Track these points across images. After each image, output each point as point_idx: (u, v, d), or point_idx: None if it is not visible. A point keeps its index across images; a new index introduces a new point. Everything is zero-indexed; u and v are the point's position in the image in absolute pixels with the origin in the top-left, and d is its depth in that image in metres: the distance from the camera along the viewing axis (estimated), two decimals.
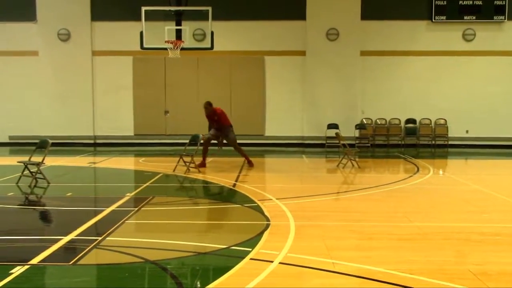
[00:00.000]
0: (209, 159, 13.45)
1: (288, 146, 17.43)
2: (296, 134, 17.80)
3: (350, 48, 17.56)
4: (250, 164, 12.49)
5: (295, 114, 17.80)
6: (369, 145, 17.44)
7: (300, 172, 11.97)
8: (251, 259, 4.93)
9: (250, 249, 5.20)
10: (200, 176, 10.52)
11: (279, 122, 17.85)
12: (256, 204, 7.61)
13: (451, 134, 17.73)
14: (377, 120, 17.88)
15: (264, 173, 12.37)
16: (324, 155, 15.80)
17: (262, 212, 7.04)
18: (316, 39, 17.61)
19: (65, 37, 17.89)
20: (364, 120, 17.69)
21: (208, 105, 12.53)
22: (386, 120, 17.88)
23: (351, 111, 17.62)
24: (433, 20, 17.58)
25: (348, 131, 16.89)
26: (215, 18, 14.31)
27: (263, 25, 17.78)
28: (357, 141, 17.12)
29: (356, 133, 17.39)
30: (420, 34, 17.80)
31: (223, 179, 10.05)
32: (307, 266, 4.76)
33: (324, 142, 17.35)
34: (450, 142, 17.70)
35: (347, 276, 4.51)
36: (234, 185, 9.49)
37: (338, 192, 9.28)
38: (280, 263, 4.81)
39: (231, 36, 17.50)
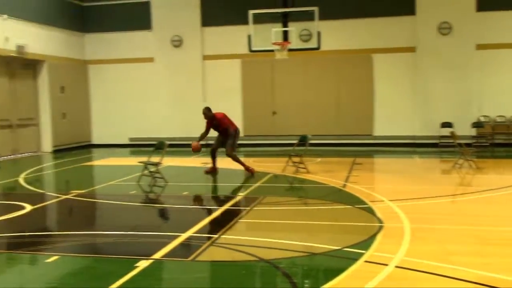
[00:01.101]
0: (317, 159, 13.45)
1: (398, 146, 16.89)
2: (407, 133, 17.19)
3: (464, 41, 16.63)
4: (249, 171, 11.49)
5: (406, 112, 17.20)
6: (487, 144, 16.39)
7: (413, 173, 11.54)
8: (365, 261, 4.86)
9: (364, 251, 5.12)
10: (309, 177, 10.54)
11: (389, 121, 17.36)
12: (367, 206, 7.47)
13: None
14: (497, 118, 16.76)
15: (374, 173, 12.12)
16: (438, 155, 15.10)
17: (374, 214, 6.91)
18: (427, 34, 16.90)
19: (177, 43, 18.81)
20: (481, 117, 16.67)
21: (207, 111, 11.95)
22: (506, 117, 16.71)
23: (466, 109, 16.69)
24: None
25: (464, 129, 16.06)
26: (321, 17, 14.29)
27: (370, 23, 17.40)
28: (473, 140, 16.19)
29: (473, 132, 16.45)
30: None
31: (333, 180, 9.98)
32: (424, 270, 4.59)
33: (437, 141, 16.60)
34: None
35: (466, 283, 4.29)
36: (344, 185, 9.39)
37: (454, 194, 8.83)
38: (396, 266, 4.69)
39: (338, 35, 17.34)
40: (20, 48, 15.48)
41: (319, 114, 17.68)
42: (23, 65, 16.51)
